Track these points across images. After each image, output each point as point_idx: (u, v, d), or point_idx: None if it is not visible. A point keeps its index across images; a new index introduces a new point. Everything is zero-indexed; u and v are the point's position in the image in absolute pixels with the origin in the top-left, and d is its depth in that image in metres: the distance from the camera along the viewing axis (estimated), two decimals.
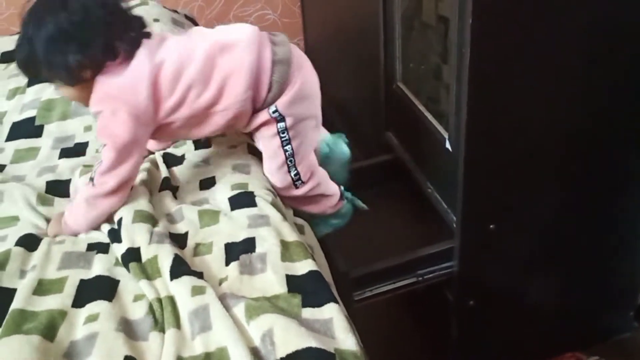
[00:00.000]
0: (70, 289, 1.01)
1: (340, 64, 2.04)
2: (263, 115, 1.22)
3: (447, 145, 1.31)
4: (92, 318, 0.94)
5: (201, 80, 1.16)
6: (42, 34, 1.10)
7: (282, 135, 1.24)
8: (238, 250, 1.07)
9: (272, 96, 1.20)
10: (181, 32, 1.30)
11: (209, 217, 1.16)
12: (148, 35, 1.19)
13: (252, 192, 1.21)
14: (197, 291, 0.96)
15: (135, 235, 1.10)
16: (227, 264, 1.05)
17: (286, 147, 1.25)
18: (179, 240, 1.11)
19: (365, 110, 1.86)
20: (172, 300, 0.97)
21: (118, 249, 1.10)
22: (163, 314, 0.95)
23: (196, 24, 1.98)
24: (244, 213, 1.15)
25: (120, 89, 1.14)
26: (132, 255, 1.07)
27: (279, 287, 0.98)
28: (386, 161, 1.65)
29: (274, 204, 1.18)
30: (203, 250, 1.09)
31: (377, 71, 1.62)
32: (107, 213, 1.18)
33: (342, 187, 1.39)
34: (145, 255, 1.06)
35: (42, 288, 1.01)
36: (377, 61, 1.61)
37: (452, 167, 1.28)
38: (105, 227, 1.16)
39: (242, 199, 1.20)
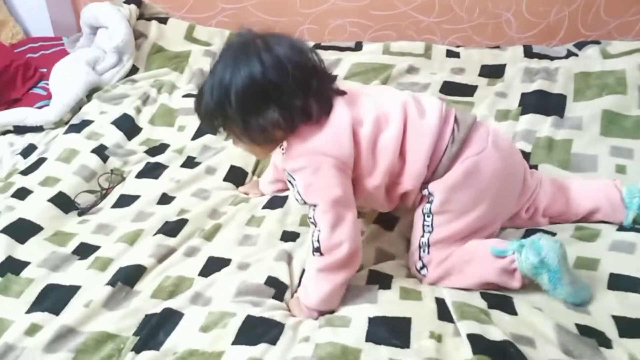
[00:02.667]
0: None
1: None
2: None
3: None
4: None
5: (394, 149, 1.08)
6: (237, 87, 1.03)
7: (426, 218, 1.11)
8: None
9: (436, 176, 1.09)
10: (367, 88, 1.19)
11: None
12: (341, 92, 1.11)
13: None
14: None
15: None
16: None
17: (426, 231, 1.11)
18: None
19: None
20: None
21: None
22: None
23: None
24: None
25: (323, 142, 1.06)
26: None
27: None
28: None
29: None
30: None
31: None
32: (341, 287, 1.06)
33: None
34: None
35: None
36: None
37: None
38: None
39: None
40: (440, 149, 1.09)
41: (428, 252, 1.11)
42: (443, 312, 1.02)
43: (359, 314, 1.03)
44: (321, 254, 1.05)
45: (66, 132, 1.63)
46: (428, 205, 1.10)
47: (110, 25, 1.91)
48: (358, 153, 1.08)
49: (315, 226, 1.06)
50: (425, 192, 1.11)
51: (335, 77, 1.14)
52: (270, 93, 1.03)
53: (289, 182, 1.11)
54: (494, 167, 1.09)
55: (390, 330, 0.98)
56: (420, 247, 1.12)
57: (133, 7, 2.02)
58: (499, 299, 1.04)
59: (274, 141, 1.11)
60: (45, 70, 2.06)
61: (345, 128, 1.07)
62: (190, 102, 1.69)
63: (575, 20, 2.03)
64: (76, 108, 1.74)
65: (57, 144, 1.57)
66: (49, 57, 2.15)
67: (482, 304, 1.02)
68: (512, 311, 1.01)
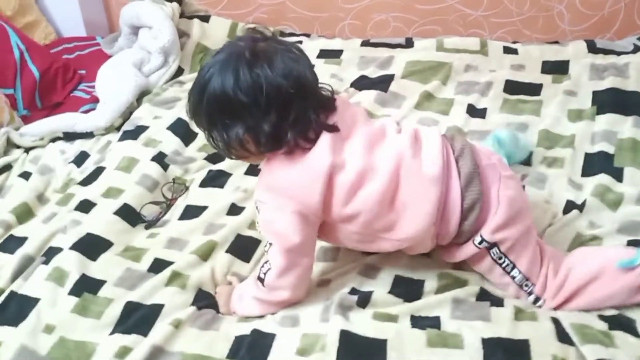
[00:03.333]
0: None
1: None
2: (469, 249, 1.03)
3: None
4: None
5: (379, 202, 0.99)
6: (210, 95, 0.97)
7: (501, 262, 1.03)
8: None
9: (470, 225, 1.01)
10: (369, 124, 1.06)
11: None
12: (332, 128, 1.00)
13: None
14: None
15: None
16: None
17: (513, 273, 1.03)
18: None
19: None
20: None
21: None
22: None
23: None
24: None
25: (292, 183, 1.00)
26: None
27: None
28: None
29: None
30: None
31: None
32: (271, 312, 1.08)
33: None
34: None
35: None
36: None
37: None
38: None
39: None
40: (453, 200, 1.00)
41: (533, 284, 1.03)
42: (562, 334, 0.96)
43: (472, 332, 0.97)
44: (263, 286, 1.05)
45: (121, 139, 1.56)
46: (495, 251, 1.02)
47: (154, 24, 1.84)
48: (329, 200, 1.00)
49: (267, 262, 1.04)
50: (481, 244, 1.02)
51: (332, 106, 1.02)
52: (238, 111, 0.96)
53: (256, 207, 1.05)
54: (514, 180, 1.06)
55: (508, 354, 0.93)
56: (520, 285, 1.04)
57: (175, 5, 1.96)
58: (618, 319, 0.98)
59: (243, 158, 1.05)
60: (84, 72, 2.00)
61: (320, 175, 0.98)
62: None
63: (631, 12, 1.97)
64: (126, 113, 1.68)
65: (114, 152, 1.51)
66: (84, 57, 2.09)
67: (603, 326, 0.97)
68: (634, 333, 0.95)
